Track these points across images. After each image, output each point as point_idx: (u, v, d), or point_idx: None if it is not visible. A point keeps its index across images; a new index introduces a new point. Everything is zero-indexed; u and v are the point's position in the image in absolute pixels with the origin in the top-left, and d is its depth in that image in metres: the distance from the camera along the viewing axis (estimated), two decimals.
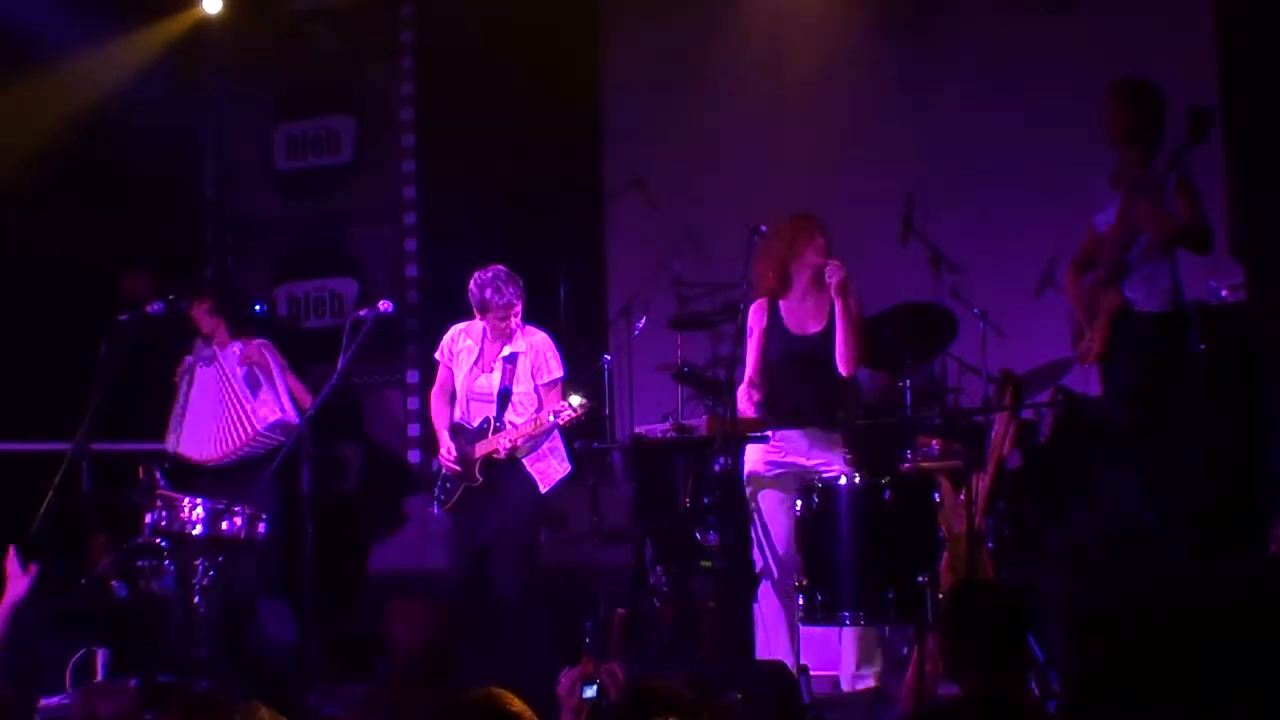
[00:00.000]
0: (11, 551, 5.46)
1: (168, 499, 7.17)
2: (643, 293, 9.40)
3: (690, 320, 9.17)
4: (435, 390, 7.34)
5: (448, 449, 7.11)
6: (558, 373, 7.16)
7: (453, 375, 7.24)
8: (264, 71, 10.81)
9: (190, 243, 10.95)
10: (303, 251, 10.97)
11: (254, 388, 7.43)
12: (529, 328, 7.20)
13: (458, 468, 7.09)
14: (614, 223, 10.24)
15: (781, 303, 6.91)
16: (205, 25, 10.36)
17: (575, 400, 6.92)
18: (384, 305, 7.07)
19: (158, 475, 7.36)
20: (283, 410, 7.27)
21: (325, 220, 10.93)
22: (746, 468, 6.84)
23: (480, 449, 7.04)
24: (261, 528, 7.22)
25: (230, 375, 7.59)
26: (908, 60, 9.39)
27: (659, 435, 8.32)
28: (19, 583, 5.36)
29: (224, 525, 7.12)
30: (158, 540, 7.28)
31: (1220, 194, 7.99)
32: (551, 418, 6.94)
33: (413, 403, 10.60)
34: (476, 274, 7.11)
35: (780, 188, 9.07)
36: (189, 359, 7.93)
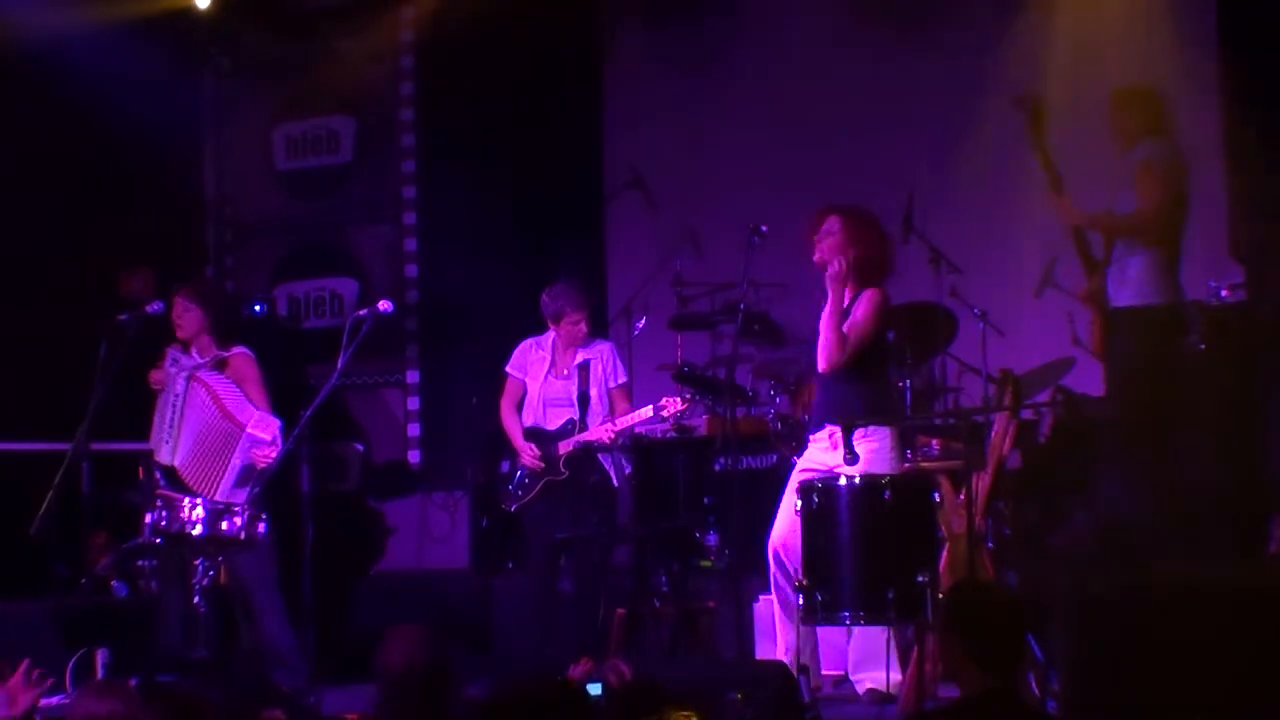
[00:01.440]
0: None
1: (168, 499, 7.15)
2: (643, 293, 9.40)
3: (690, 320, 9.17)
4: (505, 402, 7.90)
5: (531, 450, 7.68)
6: (624, 377, 7.87)
7: (522, 385, 7.85)
8: (264, 71, 10.82)
9: (190, 243, 10.96)
10: (303, 251, 10.99)
11: (242, 482, 7.19)
12: (596, 339, 7.89)
13: (542, 464, 7.65)
14: (614, 223, 10.25)
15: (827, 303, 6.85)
16: (206, 25, 10.36)
17: (682, 396, 7.62)
18: (384, 305, 7.06)
19: (158, 475, 7.35)
20: (228, 497, 7.07)
21: (325, 220, 10.95)
22: (798, 473, 6.75)
23: (565, 445, 7.65)
24: (261, 527, 7.20)
25: (241, 447, 7.23)
26: (909, 58, 9.39)
27: (659, 435, 8.36)
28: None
29: (224, 525, 7.09)
30: (158, 540, 7.25)
31: (1220, 194, 8.00)
32: (652, 410, 7.53)
33: (413, 403, 10.61)
34: (546, 290, 7.77)
35: (780, 187, 9.07)
36: (173, 353, 7.44)
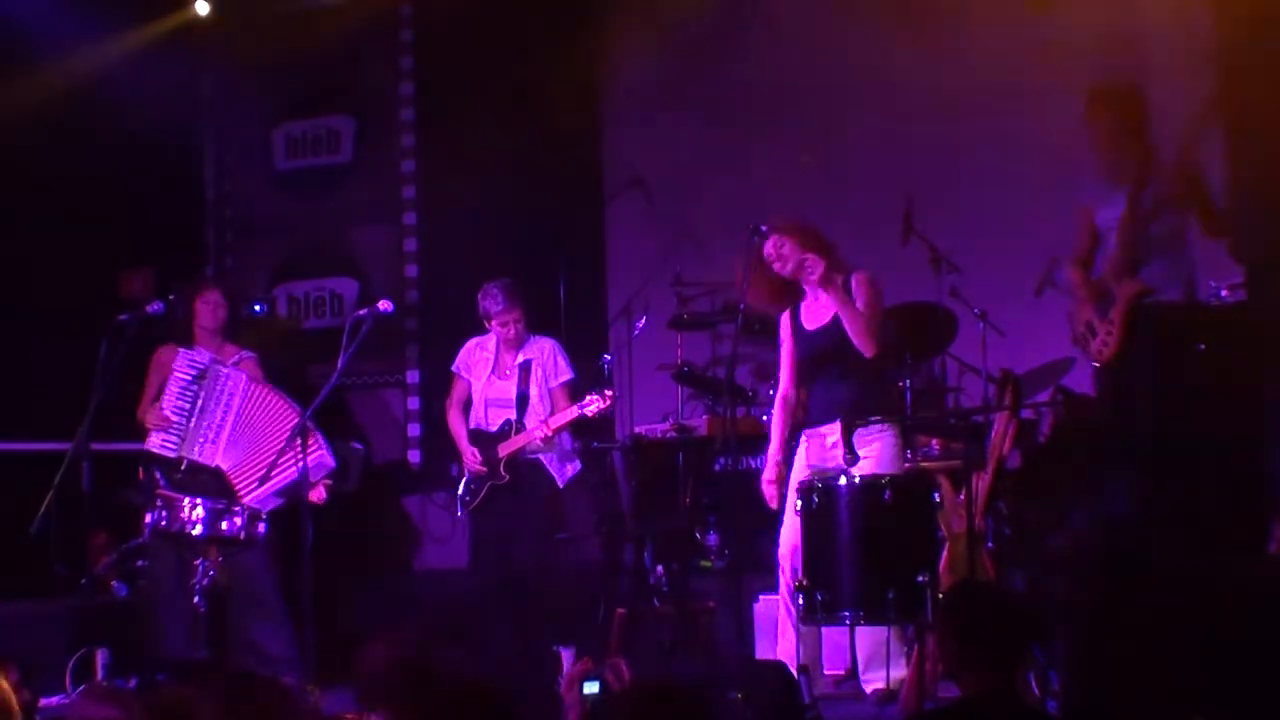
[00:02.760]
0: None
1: (168, 499, 7.16)
2: (643, 293, 9.41)
3: (690, 320, 9.17)
4: (451, 402, 7.85)
5: (473, 453, 7.62)
6: (568, 374, 7.71)
7: (468, 386, 7.77)
8: (263, 71, 10.81)
9: (190, 243, 10.96)
10: (303, 251, 10.98)
11: (285, 495, 7.27)
12: (537, 336, 7.74)
13: (484, 469, 7.58)
14: (614, 223, 10.25)
15: (801, 304, 6.86)
16: (204, 25, 10.37)
17: (601, 392, 7.49)
18: (384, 305, 7.08)
19: (158, 475, 7.35)
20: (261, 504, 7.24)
21: (325, 220, 10.94)
22: (794, 475, 6.74)
23: (504, 448, 7.58)
24: (261, 528, 7.21)
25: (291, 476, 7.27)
26: (909, 58, 9.38)
27: (659, 435, 8.35)
28: None
29: (224, 525, 7.11)
30: (158, 540, 7.26)
31: (1220, 194, 7.98)
32: (578, 410, 7.47)
33: (413, 403, 10.60)
34: (482, 288, 7.68)
35: (780, 187, 9.07)
36: (203, 357, 7.52)
